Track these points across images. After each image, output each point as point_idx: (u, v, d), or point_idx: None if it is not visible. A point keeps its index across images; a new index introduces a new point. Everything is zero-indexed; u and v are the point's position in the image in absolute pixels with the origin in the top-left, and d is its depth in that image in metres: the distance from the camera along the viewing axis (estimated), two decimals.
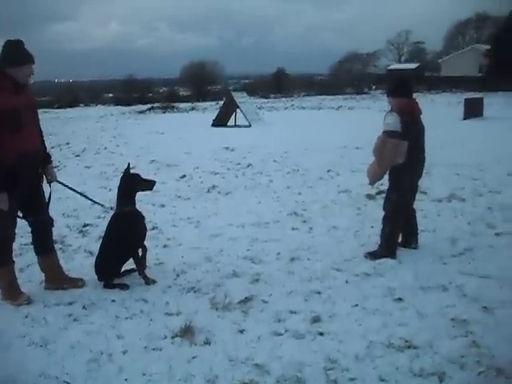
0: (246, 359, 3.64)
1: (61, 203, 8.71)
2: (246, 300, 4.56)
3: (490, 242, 5.92)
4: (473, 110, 22.67)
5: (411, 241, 5.80)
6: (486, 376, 3.36)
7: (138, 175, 5.26)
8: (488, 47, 58.02)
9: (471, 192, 8.33)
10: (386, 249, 5.51)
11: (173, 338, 3.97)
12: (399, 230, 5.65)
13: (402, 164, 5.26)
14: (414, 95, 5.54)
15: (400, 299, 4.51)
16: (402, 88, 5.48)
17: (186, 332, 4.00)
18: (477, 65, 60.20)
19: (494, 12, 69.93)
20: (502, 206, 7.42)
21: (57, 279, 5.02)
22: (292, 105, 39.46)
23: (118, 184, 5.18)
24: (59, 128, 23.08)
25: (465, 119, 21.70)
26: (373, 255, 5.50)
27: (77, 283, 5.04)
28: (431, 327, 3.99)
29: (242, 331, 4.05)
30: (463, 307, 4.31)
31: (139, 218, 5.17)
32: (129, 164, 5.22)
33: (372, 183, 5.82)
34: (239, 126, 22.25)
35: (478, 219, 6.84)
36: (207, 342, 3.89)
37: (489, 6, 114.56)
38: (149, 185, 5.34)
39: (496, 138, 15.32)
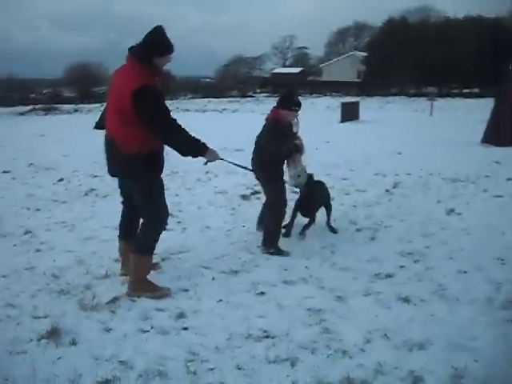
0: (110, 357, 3.73)
1: None
2: (115, 300, 4.63)
3: (351, 237, 6.38)
4: (349, 113, 23.90)
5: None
6: (333, 358, 3.68)
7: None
8: (365, 54, 61.17)
9: (339, 191, 8.82)
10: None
11: (39, 340, 3.97)
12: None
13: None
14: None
15: (262, 293, 4.78)
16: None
17: (53, 334, 4.02)
18: (355, 70, 63.17)
19: (370, 22, 73.90)
20: (364, 203, 7.96)
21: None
22: (177, 107, 39.40)
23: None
24: None
25: (342, 122, 22.79)
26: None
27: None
28: (289, 317, 4.28)
29: (108, 330, 4.12)
30: (320, 298, 4.65)
31: None
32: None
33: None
34: None
35: (342, 216, 7.32)
36: (73, 343, 3.93)
37: (367, 16, 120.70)
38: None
39: (368, 139, 16.22)
